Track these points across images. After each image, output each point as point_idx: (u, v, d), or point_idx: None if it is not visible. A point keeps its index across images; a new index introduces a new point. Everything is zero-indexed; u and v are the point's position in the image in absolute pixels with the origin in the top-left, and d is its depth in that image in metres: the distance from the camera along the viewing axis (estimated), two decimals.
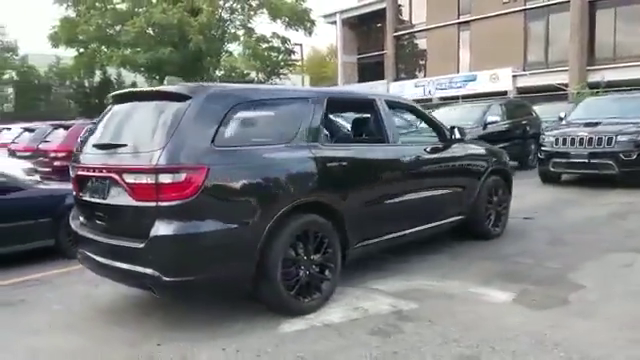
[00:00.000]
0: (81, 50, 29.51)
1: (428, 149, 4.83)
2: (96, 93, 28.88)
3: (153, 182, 3.00)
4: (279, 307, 3.48)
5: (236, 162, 3.26)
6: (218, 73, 30.18)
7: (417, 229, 4.64)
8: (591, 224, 6.20)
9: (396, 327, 3.35)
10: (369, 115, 4.54)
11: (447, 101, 22.43)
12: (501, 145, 11.06)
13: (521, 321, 3.37)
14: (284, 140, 3.61)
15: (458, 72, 27.64)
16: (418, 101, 26.03)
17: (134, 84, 30.63)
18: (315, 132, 3.78)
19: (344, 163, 3.89)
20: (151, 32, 27.40)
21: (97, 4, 27.95)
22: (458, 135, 5.06)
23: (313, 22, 29.79)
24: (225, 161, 3.19)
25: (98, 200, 3.43)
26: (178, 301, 3.86)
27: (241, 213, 3.23)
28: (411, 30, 31.95)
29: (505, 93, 22.67)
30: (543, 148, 9.43)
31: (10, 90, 27.50)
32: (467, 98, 21.09)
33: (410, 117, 7.09)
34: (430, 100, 25.92)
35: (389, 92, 27.82)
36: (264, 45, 29.91)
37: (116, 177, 3.19)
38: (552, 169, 9.27)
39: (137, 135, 3.33)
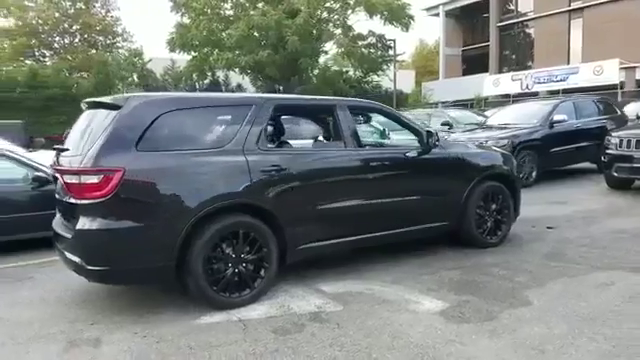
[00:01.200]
0: (194, 54, 31.98)
1: (396, 154, 4.79)
2: None
3: (78, 182, 3.47)
4: (204, 300, 3.77)
5: (157, 166, 3.61)
6: (315, 72, 30.91)
7: (380, 234, 4.66)
8: (614, 238, 5.61)
9: (301, 327, 3.49)
10: (328, 120, 4.63)
11: (551, 95, 20.82)
12: (573, 146, 10.32)
13: (425, 333, 3.33)
14: (216, 145, 3.89)
15: (568, 63, 25.45)
16: (519, 95, 24.83)
17: (239, 86, 32.56)
18: (254, 137, 4.00)
19: (283, 167, 4.06)
20: (256, 34, 28.87)
21: (208, 10, 30.13)
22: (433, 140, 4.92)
23: (411, 17, 29.27)
24: (145, 164, 3.56)
25: (58, 197, 4.01)
26: (151, 290, 4.29)
27: (157, 212, 3.59)
28: (517, 19, 30.05)
29: (614, 87, 20.46)
30: (607, 151, 8.57)
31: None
32: (568, 93, 19.41)
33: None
34: (536, 94, 24.17)
35: (484, 86, 26.50)
36: (360, 42, 30.06)
37: (60, 177, 3.73)
38: (615, 174, 8.41)
39: (79, 140, 3.83)
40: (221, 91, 31.73)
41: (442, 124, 13.40)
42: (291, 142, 4.63)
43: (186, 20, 31.44)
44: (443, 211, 5.07)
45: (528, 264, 4.77)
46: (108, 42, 37.49)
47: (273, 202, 3.99)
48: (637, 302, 3.74)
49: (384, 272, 4.58)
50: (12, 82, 26.45)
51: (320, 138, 4.86)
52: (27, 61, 34.26)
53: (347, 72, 32.11)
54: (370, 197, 4.54)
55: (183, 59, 33.30)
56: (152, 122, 3.67)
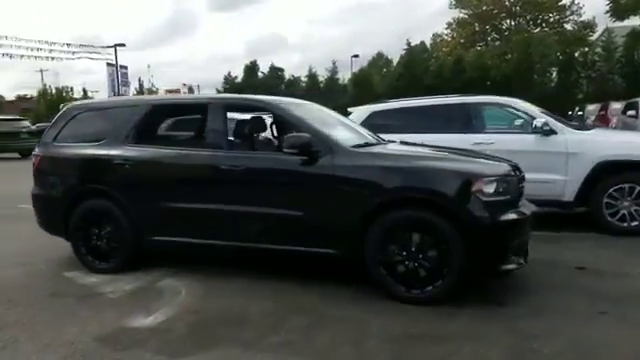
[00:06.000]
0: None
1: (265, 160, 4.16)
2: None
3: None
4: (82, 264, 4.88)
5: (56, 154, 4.94)
6: None
7: (242, 245, 4.31)
8: None
9: (77, 297, 4.15)
10: (198, 119, 4.50)
11: None
12: None
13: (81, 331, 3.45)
14: (99, 139, 4.79)
15: None
16: None
17: None
18: (124, 134, 4.69)
19: (132, 162, 4.57)
20: None
21: None
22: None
23: None
24: (51, 152, 4.98)
25: None
26: None
27: (53, 187, 4.92)
28: None
29: None
30: None
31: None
32: None
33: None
34: None
35: None
36: None
37: None
38: None
39: None
40: None
41: None
42: (174, 140, 4.80)
43: None
44: (324, 236, 4.00)
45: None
46: (556, 18, 36.03)
47: (123, 191, 4.58)
48: None
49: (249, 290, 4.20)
50: (441, 70, 30.18)
51: (191, 137, 4.72)
52: (477, 47, 37.53)
53: None
54: (225, 203, 4.27)
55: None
56: (66, 123, 5.04)
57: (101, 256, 4.77)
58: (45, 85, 38.80)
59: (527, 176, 5.85)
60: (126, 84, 33.87)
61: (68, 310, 3.87)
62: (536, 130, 5.88)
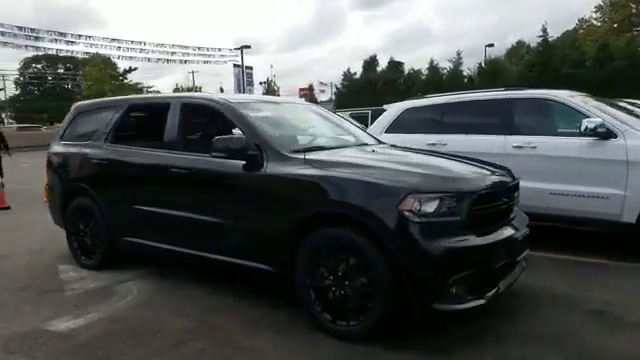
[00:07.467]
0: None
1: (206, 163, 3.83)
2: None
3: None
4: (74, 258, 5.04)
5: (59, 151, 5.14)
6: None
7: (196, 253, 4.01)
8: None
9: (46, 288, 4.34)
10: (162, 119, 4.28)
11: None
12: None
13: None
14: (87, 139, 4.90)
15: None
16: None
17: None
18: (105, 133, 4.74)
19: (105, 162, 4.61)
20: None
21: None
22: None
23: None
24: (56, 150, 5.20)
25: None
26: None
27: (56, 183, 5.14)
28: None
29: None
30: None
31: None
32: None
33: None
34: None
35: None
36: None
37: None
38: None
39: None
40: None
41: None
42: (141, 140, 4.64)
43: None
44: (257, 250, 3.58)
45: None
46: None
47: (99, 190, 4.63)
48: None
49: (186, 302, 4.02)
50: (583, 58, 26.74)
51: (154, 137, 4.48)
52: (634, 32, 32.63)
53: None
54: (171, 206, 4.07)
55: None
56: (72, 120, 5.24)
57: (86, 252, 4.88)
58: (176, 85, 43.80)
59: (574, 188, 4.84)
60: (251, 84, 35.68)
61: (17, 305, 3.98)
62: (588, 132, 4.69)
